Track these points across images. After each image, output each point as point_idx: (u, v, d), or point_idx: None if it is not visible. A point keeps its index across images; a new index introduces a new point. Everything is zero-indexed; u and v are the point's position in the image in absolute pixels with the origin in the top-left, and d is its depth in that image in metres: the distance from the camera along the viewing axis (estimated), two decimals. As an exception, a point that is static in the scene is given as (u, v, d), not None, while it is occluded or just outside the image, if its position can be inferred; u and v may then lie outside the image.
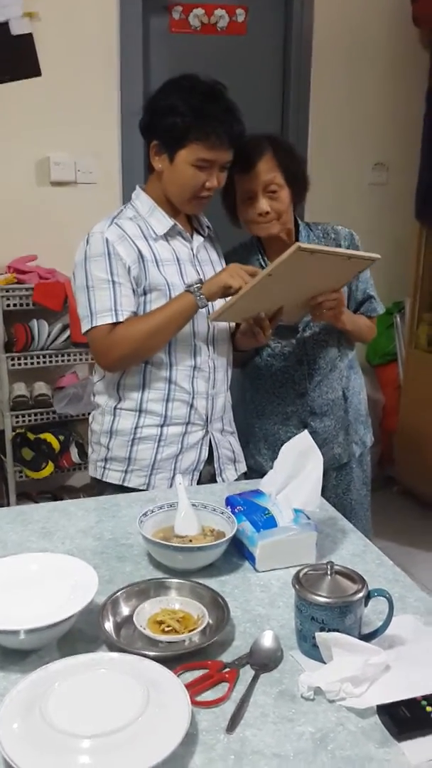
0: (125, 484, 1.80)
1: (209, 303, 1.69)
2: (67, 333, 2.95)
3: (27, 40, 2.91)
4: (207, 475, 1.87)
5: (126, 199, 1.83)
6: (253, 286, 1.63)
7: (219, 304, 1.74)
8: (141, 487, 1.80)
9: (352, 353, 2.09)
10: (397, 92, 3.65)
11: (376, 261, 1.74)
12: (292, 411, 2.02)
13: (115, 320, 1.68)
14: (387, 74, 3.63)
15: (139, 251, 1.71)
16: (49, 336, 2.94)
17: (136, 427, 1.79)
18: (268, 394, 2.03)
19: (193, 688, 1.01)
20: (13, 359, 2.92)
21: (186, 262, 1.78)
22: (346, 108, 3.58)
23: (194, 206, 1.77)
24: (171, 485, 1.78)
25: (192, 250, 1.81)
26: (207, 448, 1.85)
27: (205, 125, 1.65)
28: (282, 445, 2.00)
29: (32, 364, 2.96)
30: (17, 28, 2.88)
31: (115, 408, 1.81)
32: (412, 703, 0.98)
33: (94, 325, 1.70)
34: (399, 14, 3.54)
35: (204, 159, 1.68)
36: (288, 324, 1.92)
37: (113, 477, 1.82)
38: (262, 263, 1.94)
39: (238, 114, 1.71)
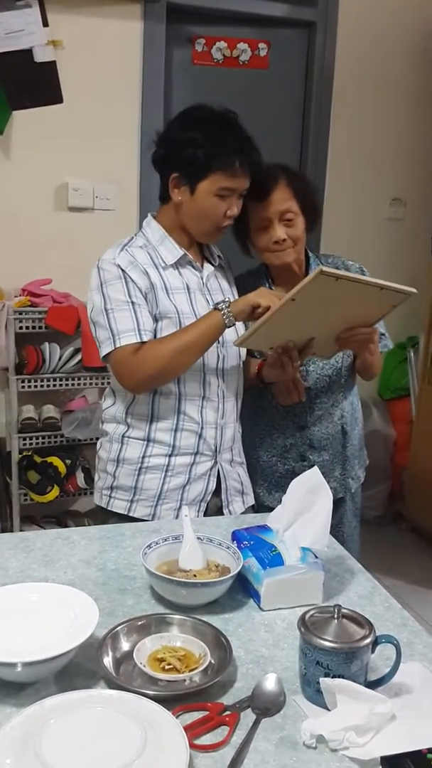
0: (130, 514, 1.78)
1: (236, 323, 1.67)
2: (79, 357, 2.95)
3: (50, 67, 2.95)
4: (214, 507, 1.84)
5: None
6: (277, 310, 1.59)
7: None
8: (146, 518, 1.77)
9: (354, 387, 2.08)
10: (417, 129, 3.67)
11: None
12: (291, 444, 2.00)
13: (139, 340, 1.67)
14: (407, 111, 3.65)
15: (149, 279, 1.71)
16: (60, 359, 2.94)
17: (143, 456, 1.77)
18: (268, 426, 2.01)
19: (192, 730, 0.98)
20: (23, 381, 2.92)
21: (196, 291, 1.77)
22: (365, 143, 3.60)
23: (214, 236, 1.78)
24: (177, 516, 1.76)
25: (202, 279, 1.80)
26: (215, 479, 1.83)
27: (226, 155, 1.66)
28: (279, 477, 1.99)
29: (42, 386, 2.95)
30: (41, 56, 2.92)
31: (123, 436, 1.79)
32: (417, 756, 0.95)
33: (117, 345, 1.68)
34: (420, 52, 3.58)
35: (226, 188, 1.69)
36: (321, 358, 1.90)
37: (118, 506, 1.80)
38: None
39: (254, 142, 1.73)
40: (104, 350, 1.71)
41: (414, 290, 1.65)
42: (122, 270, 1.69)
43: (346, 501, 2.10)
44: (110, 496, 1.81)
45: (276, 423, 2.00)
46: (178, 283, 1.75)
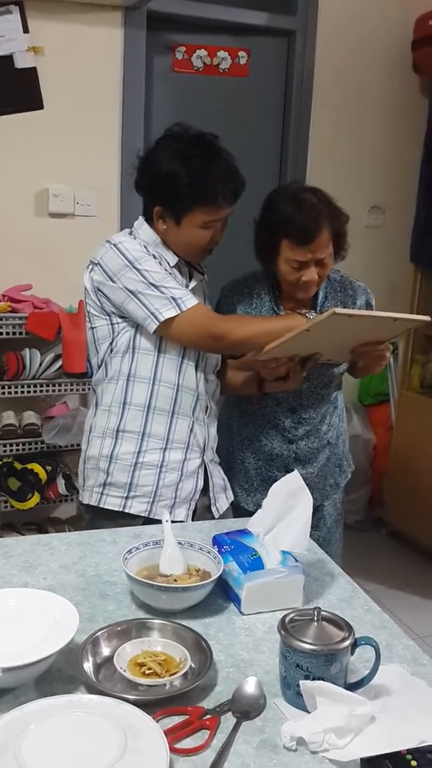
0: (126, 510, 1.77)
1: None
2: (59, 363, 2.94)
3: (31, 73, 2.94)
4: (202, 507, 1.85)
5: (124, 232, 1.82)
6: (293, 337, 1.64)
7: None
8: (142, 514, 1.77)
9: (341, 399, 2.10)
10: (396, 137, 3.71)
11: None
12: (277, 454, 2.01)
13: (197, 303, 1.70)
14: (386, 119, 3.69)
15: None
16: (41, 365, 2.93)
17: (138, 452, 1.77)
18: (257, 432, 2.01)
19: (173, 734, 0.98)
20: (3, 387, 2.90)
21: None
22: (345, 151, 3.62)
23: (202, 257, 1.81)
24: (171, 513, 1.75)
25: (189, 287, 1.81)
26: (203, 477, 1.84)
27: (210, 190, 1.67)
28: (261, 482, 1.99)
29: (23, 393, 2.94)
30: (21, 62, 2.91)
31: (117, 430, 1.78)
32: (396, 757, 0.95)
33: (183, 309, 1.67)
34: (399, 61, 3.62)
35: (210, 221, 1.71)
36: (334, 363, 1.93)
37: (112, 503, 1.78)
38: (274, 307, 1.92)
39: (236, 167, 1.72)
40: (166, 314, 1.66)
41: (428, 318, 1.72)
42: (146, 249, 1.71)
43: (325, 506, 2.11)
44: (102, 493, 1.79)
45: (265, 432, 2.01)
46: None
